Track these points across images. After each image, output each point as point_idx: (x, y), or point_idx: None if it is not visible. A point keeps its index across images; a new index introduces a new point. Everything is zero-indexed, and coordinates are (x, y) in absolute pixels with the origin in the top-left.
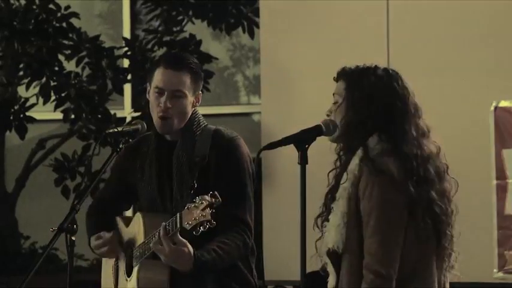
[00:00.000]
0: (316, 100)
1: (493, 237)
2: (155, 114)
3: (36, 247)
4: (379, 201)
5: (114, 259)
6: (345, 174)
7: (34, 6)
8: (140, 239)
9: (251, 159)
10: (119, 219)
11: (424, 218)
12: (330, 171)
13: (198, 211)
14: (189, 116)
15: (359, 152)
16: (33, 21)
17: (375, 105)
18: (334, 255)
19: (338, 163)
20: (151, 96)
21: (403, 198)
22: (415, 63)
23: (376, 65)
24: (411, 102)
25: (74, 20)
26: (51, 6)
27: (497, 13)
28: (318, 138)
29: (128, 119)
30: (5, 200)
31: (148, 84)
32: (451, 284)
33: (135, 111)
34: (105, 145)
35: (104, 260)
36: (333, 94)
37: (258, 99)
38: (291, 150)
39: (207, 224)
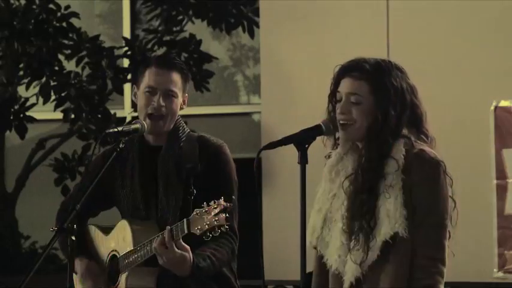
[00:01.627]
0: (316, 100)
1: (493, 237)
2: (144, 113)
3: (36, 247)
4: (438, 192)
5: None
6: (392, 161)
7: (34, 6)
8: (127, 246)
9: (235, 167)
10: (93, 228)
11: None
12: (360, 168)
13: (210, 216)
14: (176, 117)
15: (400, 140)
16: (33, 21)
17: (403, 102)
18: (391, 241)
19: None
20: (140, 96)
21: (449, 189)
22: (415, 63)
23: (389, 61)
24: (420, 102)
25: (74, 20)
26: (51, 6)
27: (497, 13)
28: (318, 138)
29: (128, 119)
30: (5, 200)
31: (135, 86)
32: (451, 284)
33: (135, 111)
34: (105, 145)
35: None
36: (351, 93)
37: (258, 99)
38: (291, 150)
39: (219, 229)
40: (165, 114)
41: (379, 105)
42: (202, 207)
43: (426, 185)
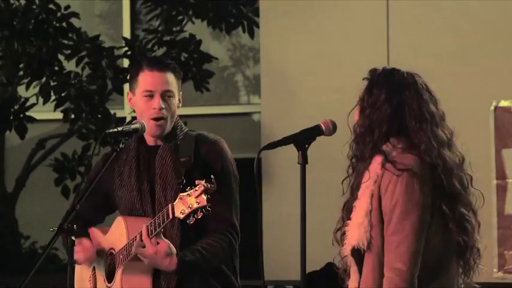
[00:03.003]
0: (316, 100)
1: (493, 237)
2: (147, 118)
3: (36, 247)
4: (403, 198)
5: (91, 269)
6: (366, 172)
7: (34, 6)
8: (123, 242)
9: (235, 163)
10: (93, 230)
11: (448, 222)
12: (344, 179)
13: (192, 198)
14: (175, 117)
15: (381, 151)
16: (33, 21)
17: (388, 109)
18: (357, 254)
19: (351, 169)
20: (139, 101)
21: (426, 197)
22: (415, 63)
23: (397, 69)
24: (426, 110)
25: (74, 20)
26: (51, 6)
27: (498, 13)
28: (318, 138)
29: (128, 119)
30: (5, 200)
31: (130, 92)
32: None
33: (135, 111)
34: (105, 145)
35: (77, 270)
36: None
37: (258, 99)
38: (291, 150)
39: (201, 211)
40: (166, 116)
41: (365, 107)
42: (186, 191)
43: (389, 193)
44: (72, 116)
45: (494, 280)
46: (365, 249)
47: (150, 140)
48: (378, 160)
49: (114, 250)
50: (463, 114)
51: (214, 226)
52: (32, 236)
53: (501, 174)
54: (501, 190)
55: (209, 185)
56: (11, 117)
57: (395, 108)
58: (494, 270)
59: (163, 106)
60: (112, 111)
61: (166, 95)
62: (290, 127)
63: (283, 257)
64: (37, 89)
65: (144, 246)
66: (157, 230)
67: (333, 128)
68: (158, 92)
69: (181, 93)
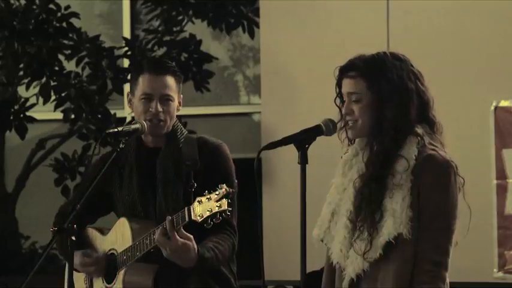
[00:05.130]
0: (316, 100)
1: (493, 237)
2: (143, 119)
3: (36, 247)
4: (448, 195)
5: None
6: (403, 160)
7: (34, 6)
8: (126, 243)
9: (234, 166)
10: (90, 229)
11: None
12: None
13: (212, 202)
14: (175, 119)
15: (412, 140)
16: (33, 21)
17: (404, 90)
18: (391, 243)
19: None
20: (137, 103)
21: (458, 192)
22: (415, 63)
23: (384, 52)
24: (428, 88)
25: (74, 20)
26: (51, 6)
27: (497, 13)
28: (318, 138)
29: (128, 119)
30: (5, 200)
31: (130, 93)
32: (451, 284)
33: None
34: (105, 145)
35: (67, 270)
36: (350, 93)
37: (258, 99)
38: (291, 150)
39: (221, 215)
40: (163, 119)
41: (378, 99)
42: (204, 194)
43: (435, 188)
44: (72, 116)
45: (494, 280)
46: (407, 240)
47: (150, 142)
48: (412, 145)
49: (116, 250)
50: (463, 114)
51: (216, 227)
52: (32, 236)
53: (501, 174)
54: (501, 190)
55: (231, 190)
56: (11, 117)
57: (411, 85)
58: (494, 270)
59: (161, 109)
60: (112, 111)
61: (164, 99)
62: (290, 127)
63: (283, 257)
64: (37, 89)
65: (169, 238)
66: (177, 227)
67: (333, 128)
68: (157, 96)
69: (181, 95)
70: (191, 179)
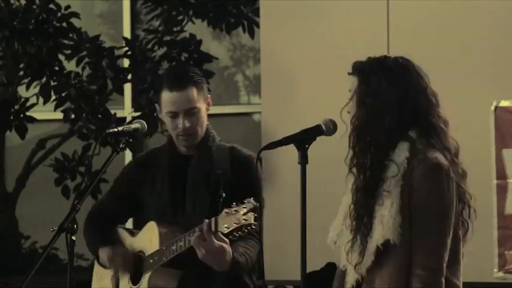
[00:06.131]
0: (316, 100)
1: (493, 237)
2: (174, 134)
3: (36, 247)
4: (438, 197)
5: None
6: (393, 165)
7: (34, 6)
8: (153, 247)
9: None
10: (121, 229)
11: (462, 214)
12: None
13: (239, 214)
14: (206, 123)
15: (404, 145)
16: (33, 21)
17: (393, 101)
18: (384, 247)
19: (356, 161)
20: (164, 118)
21: (455, 194)
22: (415, 63)
23: (385, 56)
24: (430, 92)
25: (74, 20)
26: (51, 6)
27: (497, 13)
28: (318, 138)
29: (128, 119)
30: (5, 200)
31: (157, 104)
32: None
33: (135, 111)
34: (106, 145)
35: (96, 267)
36: (349, 90)
37: (258, 99)
38: (291, 150)
39: (246, 229)
40: (192, 132)
41: (364, 97)
42: (232, 206)
43: (424, 192)
44: (73, 116)
45: (494, 280)
46: (397, 245)
47: (182, 149)
48: (403, 149)
49: (143, 253)
50: (463, 114)
51: (245, 235)
52: (32, 236)
53: (501, 174)
54: (501, 190)
55: (258, 204)
56: (11, 117)
57: (403, 92)
58: (494, 270)
59: (188, 124)
60: (112, 111)
61: (190, 112)
62: (290, 127)
63: (283, 257)
64: (37, 89)
65: (205, 240)
66: (214, 230)
67: (333, 128)
68: (181, 112)
69: (208, 95)
70: (220, 189)
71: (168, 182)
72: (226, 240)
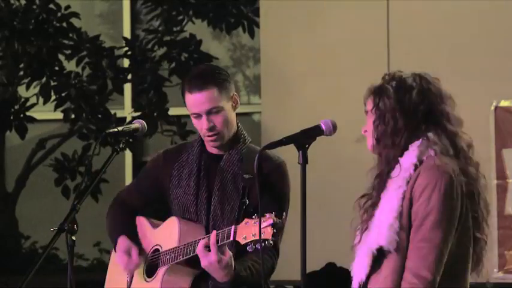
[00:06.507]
0: (316, 100)
1: (493, 237)
2: (202, 135)
3: (36, 247)
4: (438, 206)
5: None
6: (397, 167)
7: (34, 6)
8: (172, 243)
9: (290, 186)
10: (142, 220)
11: (467, 220)
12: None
13: (258, 227)
14: (234, 122)
15: (415, 149)
16: (33, 21)
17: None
18: (379, 253)
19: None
20: (192, 120)
21: (458, 205)
22: (415, 63)
23: (394, 74)
24: (437, 108)
25: (74, 20)
26: (51, 6)
27: (497, 13)
28: (318, 138)
29: (128, 119)
30: (5, 200)
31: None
32: None
33: (135, 111)
34: (106, 145)
35: (113, 253)
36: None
37: (258, 99)
38: (291, 150)
39: (263, 243)
40: (218, 131)
41: (375, 113)
42: (253, 218)
43: (425, 199)
44: (73, 116)
45: (494, 280)
46: (392, 251)
47: (211, 148)
48: (413, 155)
49: (161, 247)
50: (463, 114)
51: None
52: (32, 236)
53: (501, 174)
54: (501, 190)
55: (278, 220)
56: (11, 117)
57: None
58: (495, 270)
59: (211, 125)
60: (112, 111)
61: (212, 112)
62: (290, 127)
63: (283, 257)
64: (37, 89)
65: (209, 251)
66: (221, 243)
67: (333, 128)
68: (203, 113)
69: (234, 94)
70: (245, 196)
71: (195, 178)
72: (230, 253)
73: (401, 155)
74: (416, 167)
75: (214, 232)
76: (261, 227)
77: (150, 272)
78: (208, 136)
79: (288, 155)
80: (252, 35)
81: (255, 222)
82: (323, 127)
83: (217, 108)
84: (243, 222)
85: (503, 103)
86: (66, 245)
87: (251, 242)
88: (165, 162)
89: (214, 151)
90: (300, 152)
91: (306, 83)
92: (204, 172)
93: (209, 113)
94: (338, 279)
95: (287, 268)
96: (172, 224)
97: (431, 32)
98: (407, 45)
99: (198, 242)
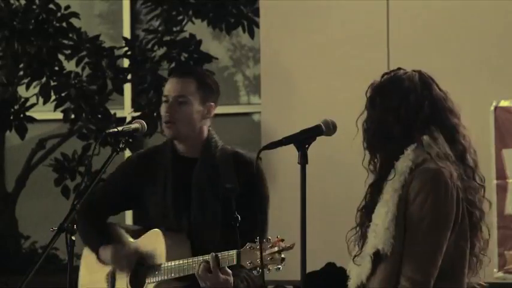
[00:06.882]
0: (316, 100)
1: (493, 237)
2: (162, 120)
3: (36, 247)
4: (432, 210)
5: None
6: (392, 171)
7: (34, 6)
8: (158, 258)
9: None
10: (119, 228)
11: (463, 223)
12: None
13: (265, 254)
14: (197, 125)
15: (410, 152)
16: (33, 21)
17: (400, 111)
18: (376, 256)
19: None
20: (162, 103)
21: (454, 209)
22: (415, 63)
23: (394, 72)
24: (436, 109)
25: (74, 20)
26: (51, 6)
27: (497, 13)
28: (318, 138)
29: (128, 119)
30: (5, 200)
31: None
32: None
33: (135, 111)
34: (105, 145)
35: (85, 261)
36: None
37: (258, 99)
38: (291, 150)
39: (270, 268)
40: (173, 120)
41: (369, 113)
42: (256, 241)
43: (420, 203)
44: (72, 116)
45: (494, 280)
46: (388, 254)
47: (183, 150)
48: (408, 158)
49: (145, 261)
50: (463, 114)
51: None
52: (32, 236)
53: (501, 174)
54: (501, 190)
55: (287, 246)
56: (11, 117)
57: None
58: (494, 270)
59: (171, 111)
60: (112, 111)
61: (178, 101)
62: (290, 127)
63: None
64: (37, 89)
65: (211, 273)
66: (222, 265)
67: (333, 128)
68: (171, 97)
69: (212, 105)
70: (234, 212)
71: (171, 184)
72: (229, 272)
73: (397, 159)
74: (411, 170)
75: (213, 255)
76: (269, 252)
77: (133, 283)
78: (165, 122)
79: (288, 155)
80: (252, 35)
81: (259, 247)
82: (323, 127)
83: (185, 98)
84: (247, 246)
85: (503, 103)
86: (66, 245)
87: (257, 267)
88: (137, 165)
89: (188, 154)
90: (300, 152)
91: (306, 83)
92: (180, 176)
93: (176, 100)
94: (338, 280)
95: (287, 268)
96: (156, 238)
97: (431, 32)
98: (407, 46)
99: (195, 263)
